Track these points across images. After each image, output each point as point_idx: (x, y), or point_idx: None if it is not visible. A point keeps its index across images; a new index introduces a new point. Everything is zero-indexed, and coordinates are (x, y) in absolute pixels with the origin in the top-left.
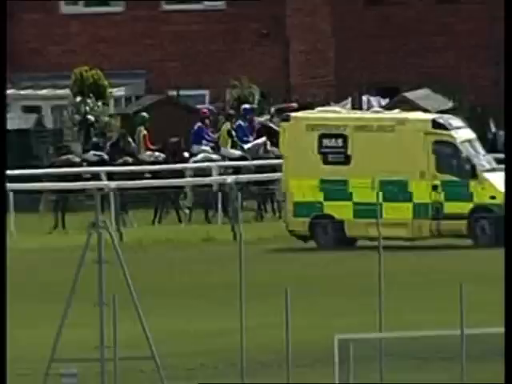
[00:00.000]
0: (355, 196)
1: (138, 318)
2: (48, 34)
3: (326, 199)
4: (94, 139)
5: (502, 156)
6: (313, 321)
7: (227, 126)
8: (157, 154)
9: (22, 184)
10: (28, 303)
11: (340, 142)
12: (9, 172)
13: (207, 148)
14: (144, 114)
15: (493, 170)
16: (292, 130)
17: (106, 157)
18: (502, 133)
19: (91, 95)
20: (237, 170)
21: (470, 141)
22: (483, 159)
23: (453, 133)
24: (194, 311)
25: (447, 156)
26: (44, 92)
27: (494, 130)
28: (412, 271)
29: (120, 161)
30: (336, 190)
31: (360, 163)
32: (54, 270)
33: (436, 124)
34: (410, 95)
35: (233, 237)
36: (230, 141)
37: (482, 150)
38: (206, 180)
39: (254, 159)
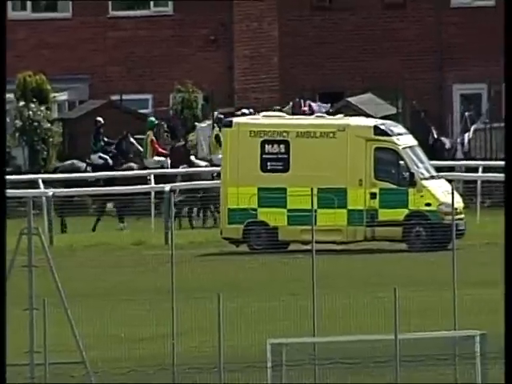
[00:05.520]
0: (290, 203)
1: (69, 322)
2: None
3: (260, 206)
4: (102, 143)
5: (443, 163)
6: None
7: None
8: (163, 159)
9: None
10: None
11: (282, 148)
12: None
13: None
14: (153, 118)
15: (432, 177)
16: (234, 135)
17: (110, 161)
18: (444, 139)
19: (34, 100)
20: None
21: (411, 147)
22: (422, 167)
23: (394, 139)
24: (124, 315)
25: (387, 163)
26: None
27: (436, 136)
28: (345, 275)
29: (124, 166)
30: (272, 197)
31: (300, 171)
32: None
33: (378, 130)
34: (353, 100)
35: (164, 241)
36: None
37: (423, 157)
38: (146, 187)
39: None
